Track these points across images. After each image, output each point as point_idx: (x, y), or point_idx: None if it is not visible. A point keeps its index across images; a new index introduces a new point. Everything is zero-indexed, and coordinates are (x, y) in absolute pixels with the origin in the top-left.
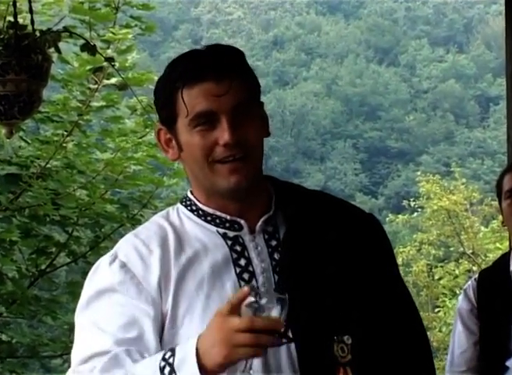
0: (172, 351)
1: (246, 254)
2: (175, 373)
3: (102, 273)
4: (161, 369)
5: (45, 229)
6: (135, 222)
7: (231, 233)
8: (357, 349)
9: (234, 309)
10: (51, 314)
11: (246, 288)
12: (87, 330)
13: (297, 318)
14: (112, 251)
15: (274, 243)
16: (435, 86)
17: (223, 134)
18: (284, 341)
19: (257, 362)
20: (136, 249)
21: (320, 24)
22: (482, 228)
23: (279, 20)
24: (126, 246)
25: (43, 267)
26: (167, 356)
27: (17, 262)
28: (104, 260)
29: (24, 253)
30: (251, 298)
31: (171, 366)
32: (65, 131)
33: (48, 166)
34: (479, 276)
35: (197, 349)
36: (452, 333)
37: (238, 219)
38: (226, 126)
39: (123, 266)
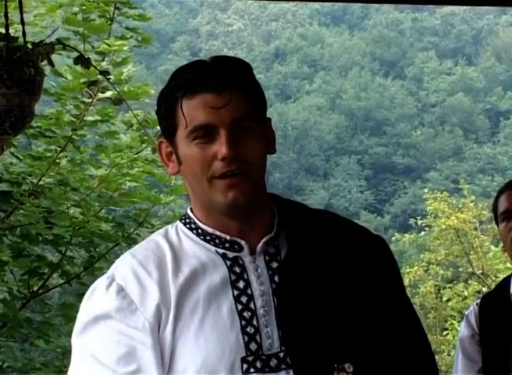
0: None
1: (245, 276)
2: None
3: (99, 298)
4: None
5: (37, 249)
6: (131, 241)
7: (231, 254)
8: None
9: None
10: (44, 337)
11: None
12: (85, 361)
13: (296, 344)
14: (108, 273)
15: (275, 265)
16: (443, 99)
17: (221, 148)
18: None
19: None
20: (134, 271)
21: (323, 36)
22: (492, 247)
23: (280, 32)
24: (123, 268)
25: (35, 288)
26: None
27: (8, 283)
28: (101, 283)
29: (16, 274)
30: None
31: None
32: (59, 147)
33: (41, 183)
34: (481, 301)
35: None
36: (455, 360)
37: (238, 240)
38: (225, 139)
39: (120, 290)
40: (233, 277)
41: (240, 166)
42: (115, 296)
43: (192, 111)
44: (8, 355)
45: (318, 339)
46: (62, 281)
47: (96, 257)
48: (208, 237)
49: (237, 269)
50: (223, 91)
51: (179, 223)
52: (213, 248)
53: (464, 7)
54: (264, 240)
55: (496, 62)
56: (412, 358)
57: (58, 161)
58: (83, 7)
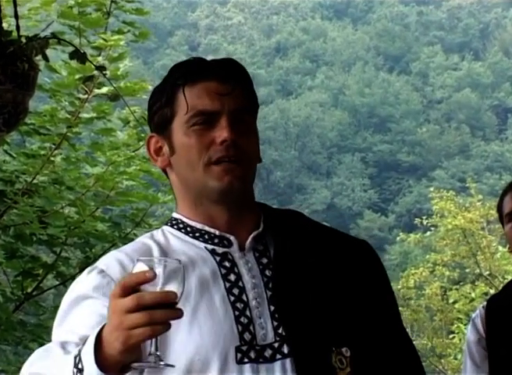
0: (86, 340)
1: (235, 270)
2: (81, 361)
3: (80, 282)
4: (74, 357)
5: (31, 249)
6: (127, 241)
7: (220, 250)
8: (356, 362)
9: (127, 290)
10: (38, 340)
11: (147, 274)
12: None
13: (294, 330)
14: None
15: (265, 261)
16: (449, 95)
17: (222, 132)
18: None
19: None
20: (118, 259)
21: (326, 30)
22: (500, 248)
23: (282, 25)
24: (108, 258)
25: (29, 290)
26: (80, 346)
27: (1, 284)
28: (84, 271)
29: (9, 275)
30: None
31: (79, 353)
32: (53, 144)
33: (35, 181)
34: (487, 303)
35: (102, 337)
36: (463, 365)
37: (227, 235)
38: (226, 124)
39: (101, 271)
40: (224, 271)
41: (237, 152)
42: (94, 277)
43: (195, 97)
44: (2, 358)
45: (315, 325)
46: (57, 283)
47: (92, 258)
48: (197, 234)
49: (227, 264)
50: (226, 81)
51: (164, 226)
52: (202, 245)
53: (471, 0)
54: (252, 235)
55: (503, 56)
56: (398, 346)
57: (52, 159)
58: (79, 0)
